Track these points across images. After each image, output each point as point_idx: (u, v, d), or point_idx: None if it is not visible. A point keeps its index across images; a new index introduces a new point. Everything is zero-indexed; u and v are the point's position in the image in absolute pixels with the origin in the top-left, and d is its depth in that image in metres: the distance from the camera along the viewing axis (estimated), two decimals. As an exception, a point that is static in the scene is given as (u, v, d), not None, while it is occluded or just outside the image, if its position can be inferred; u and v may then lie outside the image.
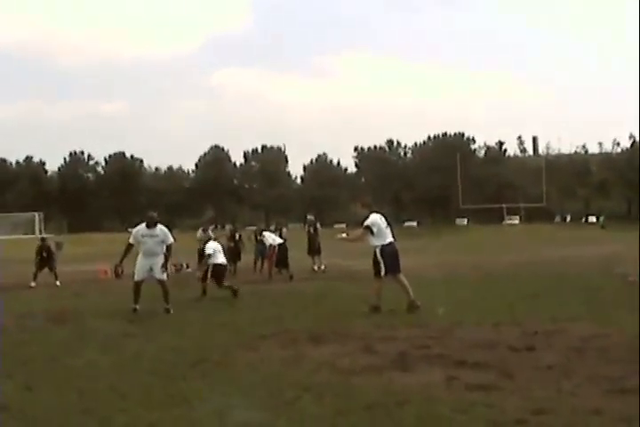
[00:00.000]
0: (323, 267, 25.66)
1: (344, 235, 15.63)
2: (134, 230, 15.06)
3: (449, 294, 16.06)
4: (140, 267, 14.88)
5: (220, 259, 17.80)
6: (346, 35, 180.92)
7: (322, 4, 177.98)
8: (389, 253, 13.88)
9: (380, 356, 9.03)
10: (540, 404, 6.49)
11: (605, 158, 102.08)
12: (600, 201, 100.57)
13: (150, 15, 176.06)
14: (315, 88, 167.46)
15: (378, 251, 13.81)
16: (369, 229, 13.90)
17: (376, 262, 13.83)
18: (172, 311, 14.41)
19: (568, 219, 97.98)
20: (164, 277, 14.91)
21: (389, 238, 14.05)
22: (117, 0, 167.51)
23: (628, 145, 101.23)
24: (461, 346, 9.49)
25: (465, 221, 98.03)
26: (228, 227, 29.47)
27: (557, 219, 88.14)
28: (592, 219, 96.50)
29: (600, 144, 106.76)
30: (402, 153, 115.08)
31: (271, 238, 23.65)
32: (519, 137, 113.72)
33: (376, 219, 14.05)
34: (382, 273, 13.72)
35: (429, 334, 10.50)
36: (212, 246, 17.82)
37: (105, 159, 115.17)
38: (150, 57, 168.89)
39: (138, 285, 14.73)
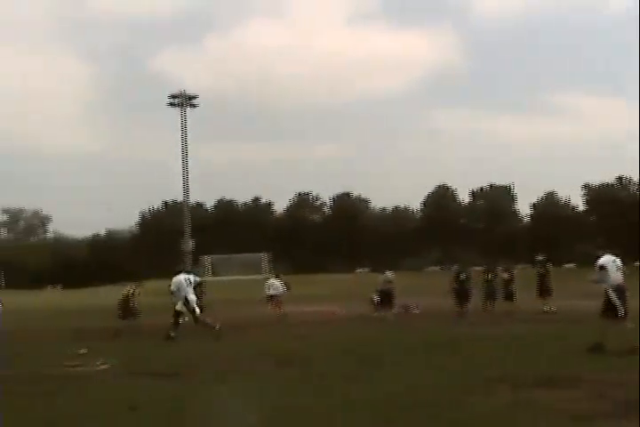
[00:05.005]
0: (554, 308, 25.05)
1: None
2: None
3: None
4: None
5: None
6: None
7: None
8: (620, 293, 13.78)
9: (610, 401, 8.72)
10: None
11: None
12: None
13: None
14: (534, 124, 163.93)
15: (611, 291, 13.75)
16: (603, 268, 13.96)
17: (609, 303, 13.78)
18: None
19: None
20: None
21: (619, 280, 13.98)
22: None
23: None
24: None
25: None
26: (453, 268, 29.42)
27: None
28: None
29: None
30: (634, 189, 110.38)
31: None
32: None
33: (608, 260, 14.06)
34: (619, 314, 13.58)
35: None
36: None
37: (332, 200, 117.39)
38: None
39: None
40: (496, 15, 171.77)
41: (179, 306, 20.54)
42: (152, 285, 25.15)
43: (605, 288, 13.90)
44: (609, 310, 13.75)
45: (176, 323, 20.54)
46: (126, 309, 23.14)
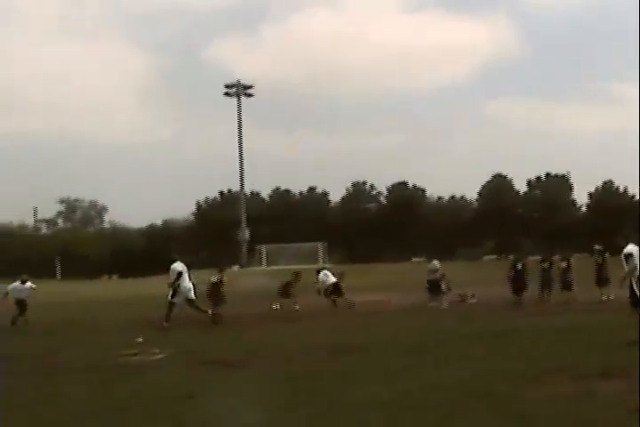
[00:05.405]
0: (611, 297, 24.77)
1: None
2: None
3: None
4: None
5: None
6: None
7: None
8: None
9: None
10: None
11: None
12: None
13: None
14: (600, 114, 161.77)
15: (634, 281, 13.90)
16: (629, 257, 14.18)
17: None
18: None
19: None
20: None
21: None
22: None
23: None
24: None
25: None
26: (510, 257, 29.29)
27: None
28: None
29: None
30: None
31: None
32: None
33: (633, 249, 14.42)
34: None
35: None
36: None
37: (388, 189, 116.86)
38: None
39: None
40: (553, 1, 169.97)
41: (169, 295, 21.50)
42: (207, 275, 25.30)
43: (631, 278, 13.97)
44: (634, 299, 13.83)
45: (203, 310, 21.84)
46: (217, 295, 23.81)
